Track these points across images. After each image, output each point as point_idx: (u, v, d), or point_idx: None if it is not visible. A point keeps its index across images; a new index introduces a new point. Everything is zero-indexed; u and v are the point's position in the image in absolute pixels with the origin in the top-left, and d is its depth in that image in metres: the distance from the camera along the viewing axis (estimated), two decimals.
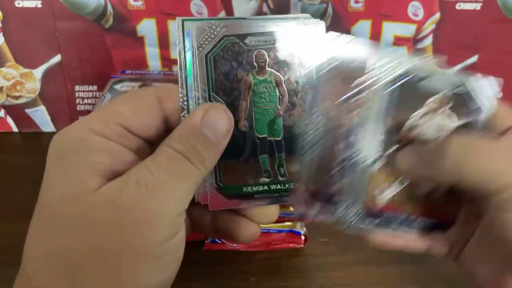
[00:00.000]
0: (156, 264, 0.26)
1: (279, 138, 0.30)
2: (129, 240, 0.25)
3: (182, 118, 0.29)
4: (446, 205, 0.31)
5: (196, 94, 0.29)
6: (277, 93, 0.30)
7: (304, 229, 0.47)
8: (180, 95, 0.29)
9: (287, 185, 0.31)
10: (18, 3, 0.58)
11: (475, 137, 0.29)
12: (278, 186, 0.31)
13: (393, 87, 0.29)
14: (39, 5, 0.58)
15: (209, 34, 0.29)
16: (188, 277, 0.42)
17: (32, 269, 0.25)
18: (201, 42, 0.29)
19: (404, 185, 0.31)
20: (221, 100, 0.29)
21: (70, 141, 0.27)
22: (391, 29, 0.61)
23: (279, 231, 0.46)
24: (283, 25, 0.30)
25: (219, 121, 0.28)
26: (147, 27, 0.60)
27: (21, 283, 0.26)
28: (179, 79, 0.29)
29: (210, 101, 0.29)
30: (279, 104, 0.30)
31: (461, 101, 0.30)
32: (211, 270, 0.44)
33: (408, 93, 0.30)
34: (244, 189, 0.31)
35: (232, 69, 0.29)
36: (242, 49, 0.29)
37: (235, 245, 0.45)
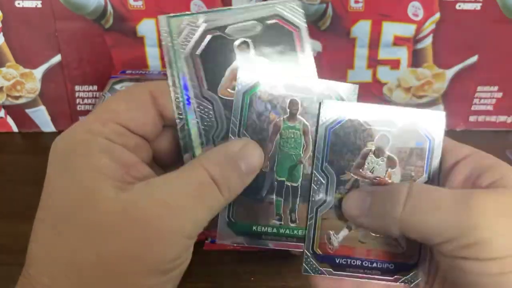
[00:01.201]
0: (162, 278, 0.26)
1: (296, 184, 0.31)
2: (139, 254, 0.25)
3: (177, 116, 0.30)
4: (403, 246, 0.31)
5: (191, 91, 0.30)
6: (303, 141, 0.31)
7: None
8: (172, 93, 0.30)
9: (295, 231, 0.31)
10: (18, 3, 0.58)
11: (421, 187, 0.28)
12: (287, 231, 0.31)
13: (337, 126, 0.30)
14: (39, 5, 0.58)
15: (188, 26, 0.30)
16: (188, 277, 0.42)
17: (36, 271, 0.25)
18: (182, 35, 0.30)
19: (353, 229, 0.31)
20: (248, 137, 0.30)
21: (72, 144, 0.27)
22: (391, 29, 0.61)
23: None
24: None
25: (255, 158, 0.29)
26: (147, 27, 0.60)
27: (24, 284, 0.25)
28: (169, 77, 0.30)
29: (204, 97, 0.30)
30: (302, 152, 0.31)
31: (409, 134, 0.30)
32: (211, 270, 0.44)
33: (353, 132, 0.30)
34: (254, 227, 0.31)
35: (266, 111, 0.30)
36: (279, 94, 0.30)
37: (234, 245, 0.45)
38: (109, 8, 0.59)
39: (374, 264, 0.31)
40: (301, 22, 0.31)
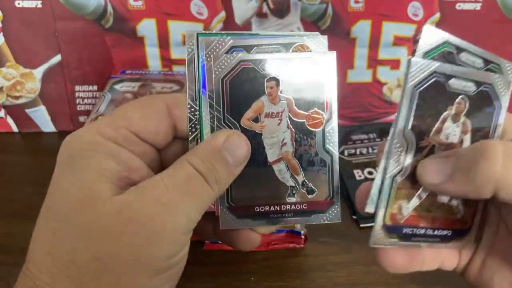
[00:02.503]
0: (159, 277, 0.26)
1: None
2: (135, 252, 0.25)
3: (189, 129, 0.30)
4: (461, 213, 0.30)
5: (213, 113, 0.30)
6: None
7: (304, 229, 0.47)
8: (188, 106, 0.30)
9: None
10: (18, 3, 0.58)
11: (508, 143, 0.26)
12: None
13: (424, 86, 0.28)
14: (39, 5, 0.58)
15: (217, 45, 0.30)
16: (188, 277, 0.42)
17: (36, 268, 0.26)
18: (209, 53, 0.30)
19: (423, 198, 0.29)
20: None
21: (81, 144, 0.28)
22: (391, 29, 0.61)
23: (279, 231, 0.46)
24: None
25: (240, 148, 0.29)
26: (147, 27, 0.60)
27: (24, 281, 0.26)
28: (188, 91, 0.30)
29: (225, 122, 0.30)
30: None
31: (483, 100, 0.29)
32: (211, 270, 0.44)
33: (435, 94, 0.28)
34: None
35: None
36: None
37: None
38: (109, 8, 0.59)
39: (436, 232, 0.30)
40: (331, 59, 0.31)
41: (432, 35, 0.29)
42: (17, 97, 0.63)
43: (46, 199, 0.27)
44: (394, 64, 0.63)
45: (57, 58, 0.61)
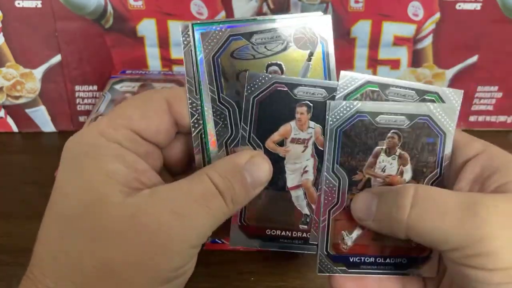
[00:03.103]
0: (164, 286, 0.26)
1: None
2: (143, 261, 0.25)
3: (192, 124, 0.30)
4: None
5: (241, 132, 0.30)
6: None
7: None
8: (189, 101, 0.29)
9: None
10: (18, 3, 0.58)
11: (426, 190, 0.27)
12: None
13: (348, 126, 0.29)
14: (39, 5, 0.58)
15: (215, 35, 0.29)
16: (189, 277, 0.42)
17: (40, 272, 0.25)
18: (207, 42, 0.29)
19: (367, 228, 0.30)
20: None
21: (84, 146, 0.27)
22: (391, 29, 0.61)
23: None
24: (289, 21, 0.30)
25: (262, 170, 0.29)
26: (147, 27, 0.60)
27: (27, 284, 0.25)
28: (187, 85, 0.30)
29: (220, 102, 0.29)
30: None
31: (421, 130, 0.30)
32: (211, 270, 0.44)
33: (362, 131, 0.30)
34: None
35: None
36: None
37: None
38: (109, 8, 0.59)
39: (388, 260, 0.31)
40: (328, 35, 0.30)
41: (351, 79, 0.29)
42: (17, 97, 0.63)
43: (50, 203, 0.27)
44: (394, 64, 0.63)
45: (57, 58, 0.61)
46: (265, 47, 0.29)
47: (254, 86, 0.29)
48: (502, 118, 0.67)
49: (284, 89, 0.29)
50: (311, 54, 0.30)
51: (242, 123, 0.29)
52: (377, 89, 0.30)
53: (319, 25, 0.30)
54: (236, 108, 0.29)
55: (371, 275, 0.31)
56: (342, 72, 0.29)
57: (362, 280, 0.31)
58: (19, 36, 0.59)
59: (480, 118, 0.66)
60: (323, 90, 0.29)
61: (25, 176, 0.56)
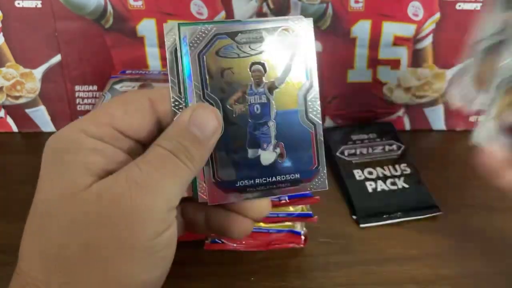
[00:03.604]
0: (148, 260, 0.26)
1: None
2: (120, 235, 0.26)
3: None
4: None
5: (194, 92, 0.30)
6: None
7: (304, 229, 0.47)
8: (171, 99, 0.30)
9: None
10: (18, 3, 0.58)
11: None
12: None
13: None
14: (39, 5, 0.58)
15: (200, 33, 0.30)
16: (188, 277, 0.42)
17: (28, 267, 0.26)
18: (193, 41, 0.30)
19: None
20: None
21: (63, 142, 0.28)
22: (391, 29, 0.60)
23: (279, 231, 0.46)
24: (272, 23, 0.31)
25: (207, 120, 0.29)
26: (147, 27, 0.60)
27: (17, 280, 0.26)
28: (171, 85, 0.30)
29: (205, 98, 0.30)
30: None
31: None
32: (211, 270, 0.44)
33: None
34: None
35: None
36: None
37: (234, 245, 0.45)
38: (109, 8, 0.59)
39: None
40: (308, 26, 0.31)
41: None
42: (17, 97, 0.63)
43: (33, 200, 0.27)
44: (394, 64, 0.63)
45: (57, 58, 0.61)
46: (249, 46, 0.30)
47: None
48: None
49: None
50: (292, 55, 0.31)
51: (193, 82, 0.30)
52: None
53: (302, 27, 0.31)
54: (220, 104, 0.30)
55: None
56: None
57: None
58: (19, 36, 0.59)
59: (479, 118, 0.66)
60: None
61: (25, 176, 0.56)
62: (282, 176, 0.32)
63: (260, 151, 0.31)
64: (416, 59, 0.63)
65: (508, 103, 0.29)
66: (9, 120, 0.64)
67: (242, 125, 0.31)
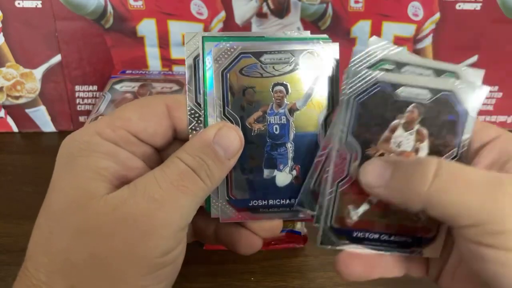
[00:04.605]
0: (156, 274, 0.26)
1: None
2: (131, 250, 0.25)
3: (190, 131, 0.30)
4: (422, 221, 0.30)
5: (215, 109, 0.30)
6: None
7: (304, 229, 0.47)
8: (188, 107, 0.30)
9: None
10: (18, 3, 0.58)
11: (451, 164, 0.26)
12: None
13: (366, 96, 0.28)
14: (39, 5, 0.58)
15: (226, 51, 0.30)
16: (188, 277, 0.42)
17: (34, 268, 0.26)
18: (218, 58, 0.30)
19: (374, 203, 0.29)
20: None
21: (79, 143, 0.28)
22: (391, 29, 0.61)
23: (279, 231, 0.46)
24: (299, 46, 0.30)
25: (231, 141, 0.29)
26: (147, 27, 0.60)
27: (22, 280, 0.26)
28: (188, 93, 0.30)
29: (225, 115, 0.30)
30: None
31: (442, 107, 0.29)
32: (211, 270, 0.44)
33: (380, 103, 0.28)
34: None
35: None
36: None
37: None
38: (109, 8, 0.59)
39: (392, 238, 0.30)
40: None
41: (366, 55, 0.29)
42: (17, 97, 0.63)
43: (45, 199, 0.27)
44: None
45: (57, 58, 0.61)
46: (273, 67, 0.30)
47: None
48: (502, 118, 0.67)
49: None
50: (315, 81, 0.31)
51: (215, 98, 0.30)
52: (391, 67, 0.29)
53: (327, 51, 0.31)
54: (239, 122, 0.30)
55: (373, 251, 0.30)
56: (356, 48, 0.29)
57: (367, 259, 0.30)
58: (19, 36, 0.59)
59: (480, 118, 0.66)
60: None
61: (25, 176, 0.56)
62: (296, 199, 0.31)
63: (276, 172, 0.31)
64: None
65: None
66: (9, 120, 0.64)
67: (259, 144, 0.30)
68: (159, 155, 0.31)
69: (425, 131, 0.29)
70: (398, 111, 0.28)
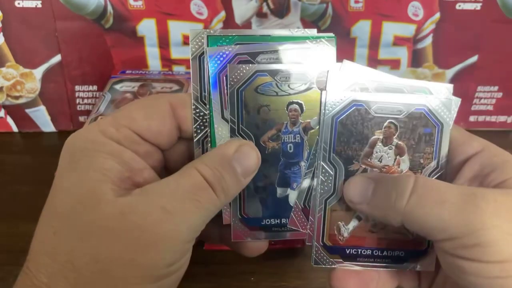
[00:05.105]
0: (159, 283, 0.26)
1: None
2: (135, 258, 0.25)
3: (194, 130, 0.30)
4: (413, 234, 0.30)
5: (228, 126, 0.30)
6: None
7: None
8: (193, 106, 0.30)
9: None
10: (18, 3, 0.58)
11: (427, 180, 0.28)
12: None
13: (344, 115, 0.29)
14: (39, 5, 0.58)
15: (241, 69, 0.30)
16: (188, 277, 0.42)
17: (35, 268, 0.25)
18: (233, 77, 0.30)
19: (363, 219, 0.30)
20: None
21: (83, 143, 0.27)
22: (391, 29, 0.61)
23: None
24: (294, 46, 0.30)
25: (250, 159, 0.29)
26: (147, 27, 0.60)
27: (23, 280, 0.26)
28: (192, 91, 0.30)
29: (239, 132, 0.30)
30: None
31: (418, 121, 0.30)
32: (211, 270, 0.44)
33: (358, 120, 0.29)
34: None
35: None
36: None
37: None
38: (109, 8, 0.59)
39: (385, 253, 0.31)
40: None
41: (337, 99, 0.30)
42: (17, 97, 0.63)
43: (48, 198, 0.27)
44: (394, 64, 0.63)
45: (57, 58, 0.61)
46: (288, 85, 0.30)
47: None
48: (502, 118, 0.67)
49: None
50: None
51: (229, 115, 0.30)
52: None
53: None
54: (253, 140, 0.30)
55: (368, 268, 0.31)
56: (325, 92, 0.30)
57: (361, 274, 0.31)
58: (19, 36, 0.59)
59: (480, 118, 0.66)
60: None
61: (25, 176, 0.56)
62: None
63: (289, 191, 0.31)
64: (416, 59, 0.63)
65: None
66: (9, 120, 0.64)
67: (273, 163, 0.30)
68: (163, 155, 0.30)
69: (403, 145, 0.30)
70: (376, 127, 0.30)
